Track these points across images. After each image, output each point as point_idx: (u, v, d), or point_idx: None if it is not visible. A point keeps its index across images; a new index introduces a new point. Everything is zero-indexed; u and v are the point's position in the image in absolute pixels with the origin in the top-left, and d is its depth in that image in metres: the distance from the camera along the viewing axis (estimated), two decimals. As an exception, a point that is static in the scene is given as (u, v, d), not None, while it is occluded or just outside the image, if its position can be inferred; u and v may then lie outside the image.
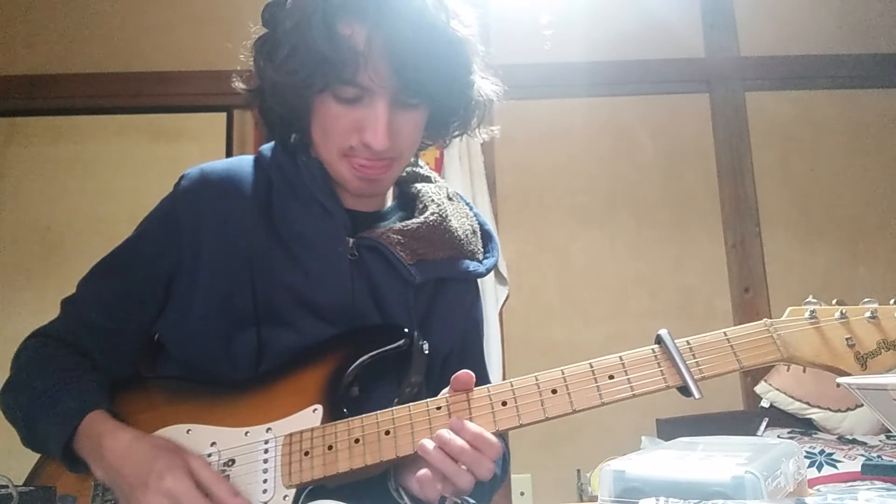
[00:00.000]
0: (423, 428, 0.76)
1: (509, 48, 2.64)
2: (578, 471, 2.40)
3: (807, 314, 0.77)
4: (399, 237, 0.90)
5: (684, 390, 0.74)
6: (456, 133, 0.96)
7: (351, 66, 0.78)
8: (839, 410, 2.30)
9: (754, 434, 2.25)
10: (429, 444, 0.73)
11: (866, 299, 0.77)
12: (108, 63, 2.70)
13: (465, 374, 0.77)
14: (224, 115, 2.69)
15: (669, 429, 2.37)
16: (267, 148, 0.95)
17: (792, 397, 2.35)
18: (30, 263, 2.56)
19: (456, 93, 0.87)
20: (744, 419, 2.42)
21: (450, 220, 0.95)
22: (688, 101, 2.85)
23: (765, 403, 2.41)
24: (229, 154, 2.65)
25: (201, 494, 0.72)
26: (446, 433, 0.73)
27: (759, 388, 2.44)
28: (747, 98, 2.83)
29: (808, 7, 2.88)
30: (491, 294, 2.43)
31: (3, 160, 2.64)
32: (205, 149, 2.66)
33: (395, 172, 0.91)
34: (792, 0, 2.88)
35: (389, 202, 0.99)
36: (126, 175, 2.63)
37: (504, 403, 0.76)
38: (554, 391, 0.75)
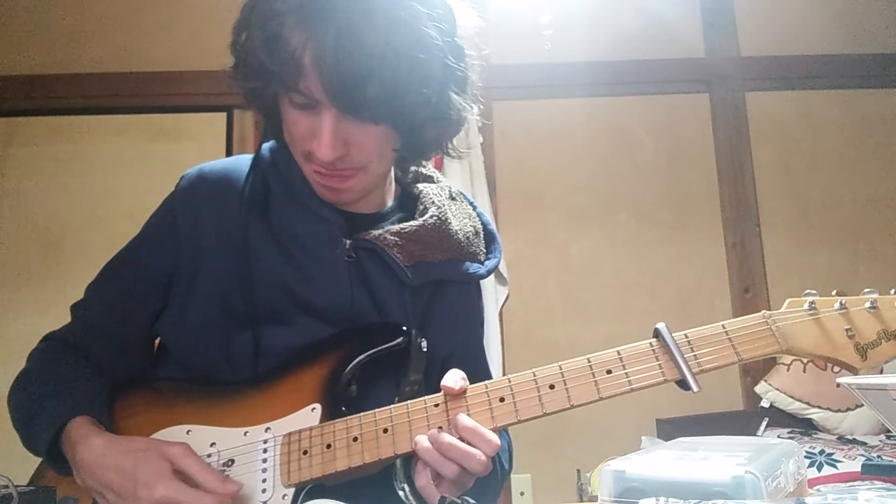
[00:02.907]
0: (420, 425, 0.76)
1: (509, 48, 2.64)
2: (578, 471, 2.39)
3: (806, 305, 0.76)
4: (396, 238, 0.89)
5: (682, 384, 0.74)
6: (434, 151, 0.91)
7: (292, 75, 0.76)
8: (839, 410, 2.30)
9: (754, 434, 2.25)
10: (422, 440, 0.74)
11: (866, 290, 0.75)
12: (108, 63, 2.70)
13: (448, 388, 0.76)
14: (224, 115, 2.70)
15: (669, 429, 2.37)
16: (267, 147, 0.95)
17: (792, 397, 2.35)
18: (30, 263, 2.56)
19: (419, 111, 0.79)
20: (744, 419, 2.42)
21: (450, 223, 0.94)
22: (688, 101, 2.85)
23: (765, 403, 2.40)
24: (229, 154, 2.65)
25: (197, 490, 0.72)
26: (437, 430, 0.73)
27: (759, 388, 2.44)
28: (747, 98, 2.83)
29: (808, 7, 2.88)
30: (491, 294, 2.43)
31: (3, 160, 2.64)
32: (205, 149, 2.66)
33: (362, 182, 0.86)
34: (792, 0, 2.88)
35: (390, 203, 0.98)
36: (126, 175, 2.63)
37: (502, 399, 0.75)
38: (552, 386, 0.75)
